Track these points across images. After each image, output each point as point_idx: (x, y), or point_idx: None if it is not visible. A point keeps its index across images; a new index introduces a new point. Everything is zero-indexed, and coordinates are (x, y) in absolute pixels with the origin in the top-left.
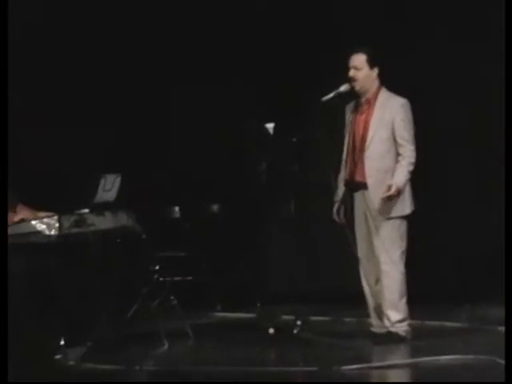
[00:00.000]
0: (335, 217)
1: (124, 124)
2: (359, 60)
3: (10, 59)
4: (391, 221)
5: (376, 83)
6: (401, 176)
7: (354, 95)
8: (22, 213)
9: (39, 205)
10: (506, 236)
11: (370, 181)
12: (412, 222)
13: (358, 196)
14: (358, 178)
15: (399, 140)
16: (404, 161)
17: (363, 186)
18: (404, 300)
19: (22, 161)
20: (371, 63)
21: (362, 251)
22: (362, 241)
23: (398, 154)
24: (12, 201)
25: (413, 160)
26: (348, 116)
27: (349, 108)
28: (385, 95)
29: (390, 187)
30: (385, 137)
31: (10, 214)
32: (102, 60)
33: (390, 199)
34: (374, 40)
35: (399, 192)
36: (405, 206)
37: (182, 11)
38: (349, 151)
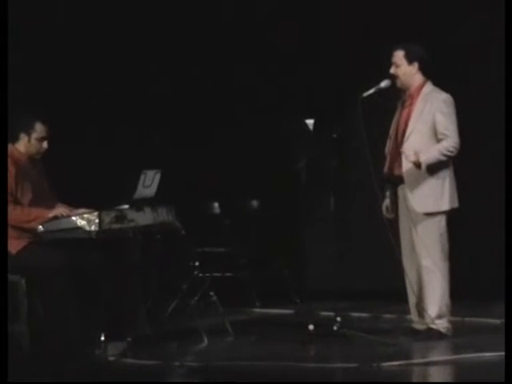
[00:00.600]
0: (384, 212)
1: (164, 120)
2: (398, 56)
3: (59, 59)
4: (430, 216)
5: (417, 78)
6: (430, 153)
7: (397, 90)
8: (57, 210)
9: (80, 200)
10: (507, 235)
11: (406, 175)
12: (451, 218)
13: (400, 190)
14: (396, 172)
15: (440, 136)
16: (440, 145)
17: (401, 179)
18: (445, 296)
19: (63, 158)
20: (409, 59)
21: (404, 247)
22: (404, 236)
23: None
24: (52, 198)
25: (450, 147)
26: (397, 112)
27: (399, 103)
28: (428, 90)
29: (416, 155)
30: (424, 131)
31: (45, 211)
32: (140, 58)
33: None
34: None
35: (419, 165)
36: (443, 201)
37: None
38: (391, 145)
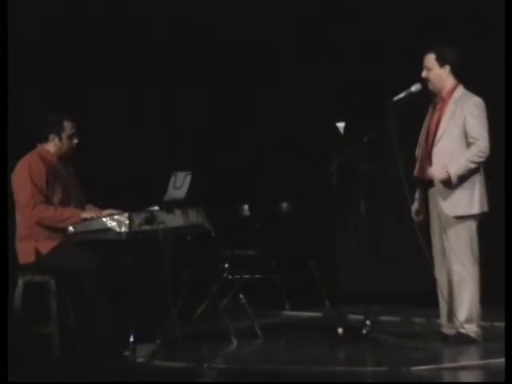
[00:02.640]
0: (413, 215)
1: (195, 122)
2: (429, 60)
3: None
4: (460, 220)
5: (449, 81)
6: (458, 165)
7: (427, 94)
8: (88, 212)
9: (110, 202)
10: (506, 236)
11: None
12: (481, 222)
13: (431, 194)
14: (426, 176)
15: (471, 140)
16: (469, 153)
17: (431, 183)
18: (474, 301)
19: (93, 159)
20: (441, 62)
21: (435, 250)
22: (435, 240)
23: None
24: (82, 199)
25: (479, 153)
26: (428, 114)
27: (431, 106)
28: (459, 93)
29: (443, 170)
30: (455, 134)
31: (78, 211)
32: (169, 58)
33: (445, 184)
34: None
35: (449, 181)
36: (473, 205)
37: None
38: (421, 148)
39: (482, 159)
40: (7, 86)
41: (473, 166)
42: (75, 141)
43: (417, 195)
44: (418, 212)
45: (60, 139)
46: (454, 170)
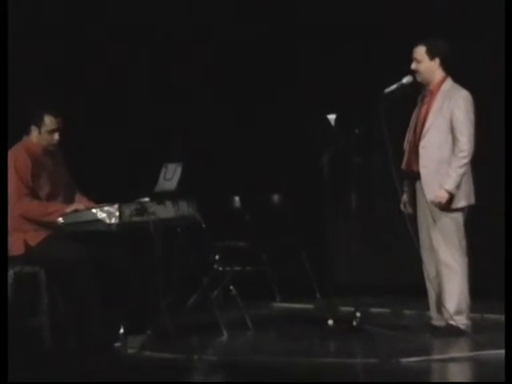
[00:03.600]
0: (402, 207)
1: (186, 114)
2: (419, 52)
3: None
4: (447, 212)
5: (438, 74)
6: (451, 180)
7: (419, 86)
8: (75, 205)
9: (100, 193)
10: (506, 235)
11: (423, 171)
12: (470, 214)
13: (418, 186)
14: (414, 168)
15: (456, 133)
16: (455, 162)
17: (419, 175)
18: (463, 292)
19: (84, 150)
20: (431, 54)
21: (423, 242)
22: (423, 231)
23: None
24: (71, 189)
25: (463, 154)
26: (416, 107)
27: (419, 99)
28: (448, 86)
29: (441, 192)
30: (442, 127)
31: (63, 206)
32: (161, 52)
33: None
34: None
35: (451, 196)
36: (459, 198)
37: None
38: (409, 141)
39: (468, 158)
40: (7, 86)
41: (463, 169)
42: (56, 137)
43: (405, 188)
44: (406, 204)
45: (40, 132)
46: (450, 186)
